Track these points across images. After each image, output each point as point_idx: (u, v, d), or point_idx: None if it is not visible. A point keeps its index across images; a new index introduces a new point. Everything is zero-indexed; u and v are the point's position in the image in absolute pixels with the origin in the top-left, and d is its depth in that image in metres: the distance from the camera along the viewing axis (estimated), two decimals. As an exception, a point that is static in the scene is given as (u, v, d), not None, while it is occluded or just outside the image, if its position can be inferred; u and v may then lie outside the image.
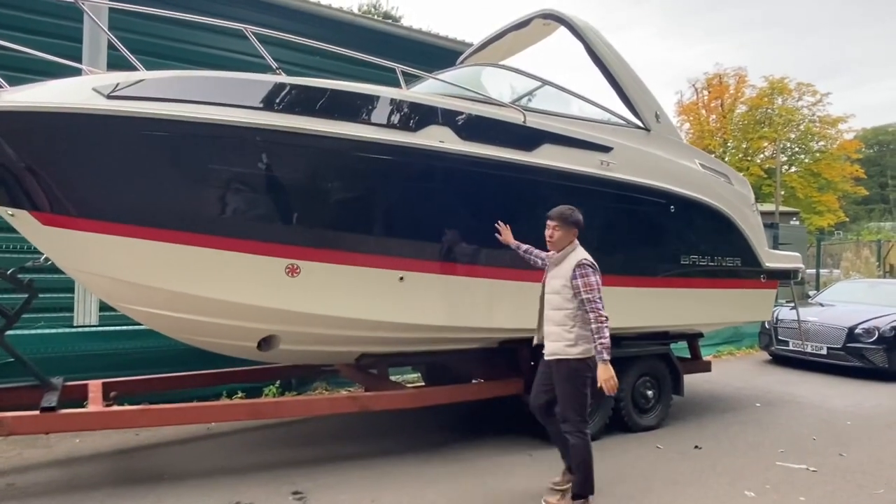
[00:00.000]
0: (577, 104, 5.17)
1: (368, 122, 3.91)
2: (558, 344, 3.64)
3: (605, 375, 3.46)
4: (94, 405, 4.05)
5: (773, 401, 6.81)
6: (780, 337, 8.91)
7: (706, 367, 6.40)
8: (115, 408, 4.08)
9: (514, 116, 4.49)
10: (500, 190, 4.40)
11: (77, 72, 3.78)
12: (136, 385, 4.85)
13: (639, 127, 5.36)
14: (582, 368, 3.62)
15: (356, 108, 3.92)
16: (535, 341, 4.00)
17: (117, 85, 3.45)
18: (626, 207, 5.07)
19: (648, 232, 5.27)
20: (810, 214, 30.27)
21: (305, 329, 4.19)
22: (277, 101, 3.71)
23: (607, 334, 3.48)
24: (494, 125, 4.40)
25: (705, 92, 35.56)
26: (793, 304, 7.91)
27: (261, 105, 3.67)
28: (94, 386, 4.39)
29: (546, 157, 4.55)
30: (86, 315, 5.76)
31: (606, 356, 3.45)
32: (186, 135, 3.49)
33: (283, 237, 3.83)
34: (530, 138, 4.54)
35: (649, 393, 5.44)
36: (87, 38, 5.35)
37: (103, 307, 5.67)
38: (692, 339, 6.37)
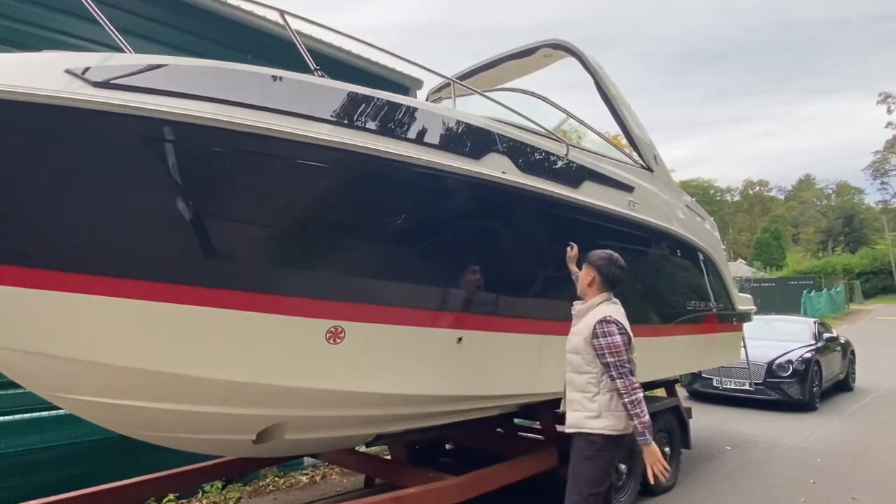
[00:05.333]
0: (595, 139, 4.82)
1: (430, 145, 3.10)
2: (578, 415, 3.01)
3: (653, 458, 2.84)
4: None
5: (736, 442, 6.84)
6: (703, 375, 9.23)
7: (688, 413, 6.23)
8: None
9: (559, 150, 3.95)
10: (553, 231, 3.80)
11: None
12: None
13: (643, 167, 5.13)
14: (605, 446, 2.95)
15: (423, 126, 3.10)
16: (561, 408, 3.28)
17: (102, 69, 2.31)
18: (647, 252, 4.74)
19: (664, 277, 4.99)
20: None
21: (328, 412, 3.16)
22: (349, 112, 2.80)
23: (645, 408, 2.86)
24: (546, 158, 3.81)
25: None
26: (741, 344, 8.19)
27: (332, 117, 2.74)
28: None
29: (588, 194, 4.05)
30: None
31: (649, 436, 2.84)
32: (201, 143, 2.43)
33: (325, 290, 2.84)
34: (575, 174, 4.02)
35: (666, 450, 5.05)
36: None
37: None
38: (671, 385, 6.19)
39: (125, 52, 2.45)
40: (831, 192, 77.19)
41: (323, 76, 2.87)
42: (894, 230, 50.07)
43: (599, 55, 4.99)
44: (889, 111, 54.34)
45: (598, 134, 4.76)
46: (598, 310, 3.05)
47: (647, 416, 2.86)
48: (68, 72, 2.22)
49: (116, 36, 2.39)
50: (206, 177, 2.49)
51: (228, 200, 2.56)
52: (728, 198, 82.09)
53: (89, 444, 4.12)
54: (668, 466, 2.85)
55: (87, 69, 2.26)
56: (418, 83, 7.71)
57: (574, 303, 3.32)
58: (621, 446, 3.06)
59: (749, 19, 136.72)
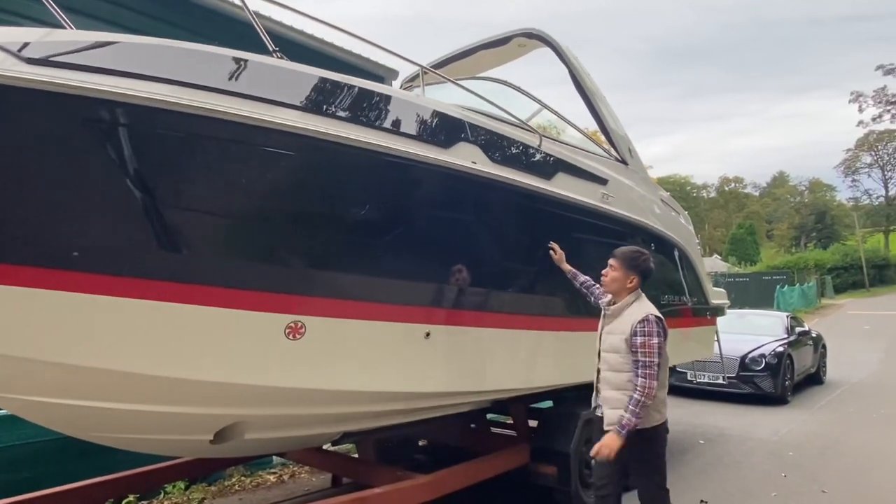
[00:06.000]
0: (570, 131, 4.73)
1: (400, 133, 2.97)
2: (618, 412, 3.03)
3: (613, 444, 2.92)
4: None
5: (709, 436, 6.85)
6: (678, 369, 9.25)
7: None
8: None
9: (531, 140, 3.84)
10: (525, 223, 3.70)
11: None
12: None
13: (618, 159, 5.06)
14: (654, 437, 3.13)
15: (389, 113, 2.96)
16: (592, 406, 3.34)
17: (41, 45, 2.14)
18: (619, 245, 4.66)
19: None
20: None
21: (290, 410, 3.03)
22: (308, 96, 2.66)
23: (643, 414, 2.96)
24: (519, 149, 3.71)
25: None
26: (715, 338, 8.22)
27: (292, 102, 2.60)
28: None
29: (562, 186, 3.96)
30: None
31: (624, 431, 2.92)
32: (153, 128, 2.27)
33: (284, 283, 2.70)
34: (548, 166, 3.92)
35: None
36: None
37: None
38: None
39: (66, 28, 2.28)
40: (804, 189, 78.64)
41: (282, 58, 2.72)
42: (864, 227, 51.29)
43: (578, 51, 4.90)
44: (860, 110, 55.62)
45: (573, 126, 4.67)
46: (635, 308, 3.13)
47: (639, 420, 2.94)
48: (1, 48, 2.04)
49: (55, 10, 2.22)
50: (157, 163, 2.33)
51: (181, 189, 2.40)
52: (704, 194, 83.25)
53: (32, 446, 3.91)
54: (612, 457, 2.93)
55: (24, 45, 2.09)
56: (393, 73, 7.56)
57: (601, 300, 3.43)
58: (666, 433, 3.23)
59: (727, 17, 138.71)
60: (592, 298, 3.63)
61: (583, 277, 3.71)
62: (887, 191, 60.70)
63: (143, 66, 2.28)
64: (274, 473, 5.23)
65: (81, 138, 2.17)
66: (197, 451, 3.41)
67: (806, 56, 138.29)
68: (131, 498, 4.27)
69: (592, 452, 3.02)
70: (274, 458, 5.28)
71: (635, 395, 2.94)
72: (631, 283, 3.19)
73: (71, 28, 2.29)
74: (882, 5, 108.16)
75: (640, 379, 2.96)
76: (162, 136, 2.29)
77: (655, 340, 3.00)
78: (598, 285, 3.57)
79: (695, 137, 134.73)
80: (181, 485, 4.64)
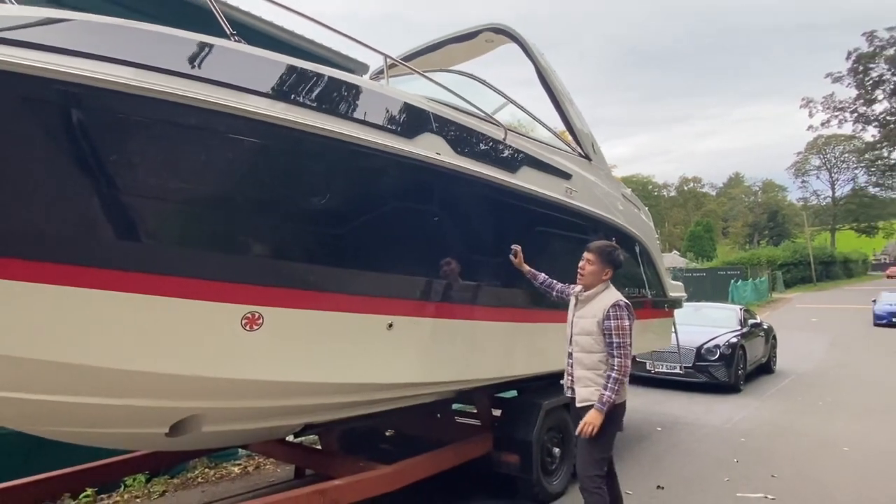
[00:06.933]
0: (536, 127, 4.66)
1: (361, 121, 2.85)
2: (589, 389, 3.21)
3: (595, 420, 3.09)
4: None
5: (665, 423, 6.92)
6: (637, 359, 9.33)
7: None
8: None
9: (497, 134, 3.77)
10: (488, 216, 3.62)
11: None
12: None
13: (581, 155, 5.03)
14: (614, 414, 3.20)
15: (349, 101, 2.84)
16: (565, 389, 3.47)
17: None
18: (585, 239, 4.61)
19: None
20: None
21: (248, 403, 2.91)
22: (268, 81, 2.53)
23: (621, 391, 3.15)
24: (484, 141, 3.63)
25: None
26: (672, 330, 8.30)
27: (255, 88, 2.46)
28: None
29: (526, 180, 3.90)
30: None
31: (605, 408, 3.09)
32: (99, 105, 2.12)
33: (240, 274, 2.56)
34: (512, 159, 3.85)
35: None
36: None
37: None
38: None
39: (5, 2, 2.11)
40: (758, 189, 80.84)
41: (239, 41, 2.57)
42: (813, 225, 52.90)
43: (547, 53, 4.84)
44: (811, 115, 57.30)
45: (538, 121, 4.61)
46: (606, 295, 3.28)
47: (617, 396, 3.11)
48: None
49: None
50: (108, 148, 2.17)
51: (133, 173, 2.24)
52: (665, 193, 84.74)
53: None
54: (595, 433, 3.07)
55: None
56: (364, 67, 7.38)
57: (572, 287, 3.54)
58: (622, 414, 3.32)
59: (692, 23, 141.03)
60: (560, 295, 3.68)
61: (542, 277, 3.75)
62: (834, 192, 62.87)
63: (99, 46, 2.13)
64: (238, 465, 5.08)
65: (27, 120, 2.00)
66: (153, 444, 3.25)
67: (764, 63, 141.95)
68: (89, 492, 4.08)
69: (577, 431, 3.14)
70: (239, 449, 5.12)
71: (612, 374, 3.10)
72: (606, 275, 3.33)
73: (13, 3, 2.12)
74: (835, 14, 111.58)
75: (616, 359, 3.12)
76: (113, 118, 2.14)
77: (627, 323, 3.16)
78: (559, 283, 3.69)
79: (657, 139, 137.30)
80: (142, 478, 4.46)
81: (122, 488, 4.41)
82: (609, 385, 3.09)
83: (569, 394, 3.37)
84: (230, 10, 5.41)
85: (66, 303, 2.18)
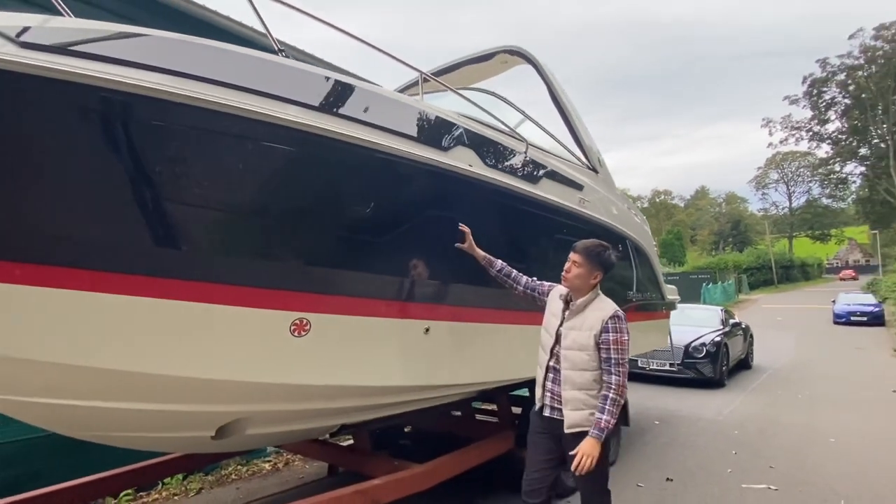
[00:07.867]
0: (548, 140, 4.53)
1: (405, 135, 2.71)
2: (583, 413, 2.55)
3: (594, 452, 2.45)
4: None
5: (663, 417, 6.78)
6: (638, 361, 9.18)
7: (624, 393, 6.09)
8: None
9: (519, 147, 3.63)
10: (513, 225, 3.49)
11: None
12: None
13: (589, 168, 4.90)
14: (609, 438, 2.58)
15: (397, 117, 2.70)
16: (536, 405, 2.80)
17: (29, 29, 1.79)
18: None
19: (613, 271, 4.77)
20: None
21: (294, 405, 2.72)
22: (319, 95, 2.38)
23: (618, 413, 2.52)
24: (509, 155, 3.49)
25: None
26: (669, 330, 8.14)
27: (306, 101, 2.31)
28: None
29: (546, 190, 3.76)
30: None
31: (604, 435, 2.47)
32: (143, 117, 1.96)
33: (290, 282, 2.40)
34: (533, 172, 3.72)
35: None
36: None
37: None
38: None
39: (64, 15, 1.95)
40: (722, 200, 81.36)
41: (287, 56, 2.42)
42: (773, 233, 53.21)
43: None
44: (770, 133, 57.85)
45: (552, 136, 4.47)
46: (601, 304, 2.67)
47: (615, 420, 2.51)
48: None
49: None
50: (158, 157, 2.01)
51: (185, 183, 2.08)
52: (638, 205, 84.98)
53: (23, 443, 3.47)
54: (593, 465, 2.45)
55: (23, 30, 1.75)
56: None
57: (546, 285, 2.98)
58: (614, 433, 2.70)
59: (661, 51, 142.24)
60: (519, 288, 3.07)
61: (499, 264, 3.04)
62: (791, 203, 63.33)
63: (173, 61, 1.98)
64: (269, 462, 4.87)
65: (82, 128, 1.84)
66: (197, 446, 3.05)
67: (727, 86, 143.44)
68: (129, 492, 3.87)
69: (573, 467, 2.46)
70: (268, 447, 4.92)
71: (610, 395, 2.50)
72: (595, 279, 2.71)
73: (70, 16, 1.96)
74: (792, 42, 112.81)
75: (613, 377, 2.52)
76: (164, 128, 1.98)
77: (626, 337, 2.59)
78: (524, 277, 3.08)
79: (631, 155, 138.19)
80: (178, 475, 4.25)
81: (159, 486, 4.20)
82: (607, 408, 2.48)
83: (547, 413, 2.70)
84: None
85: (127, 312, 2.01)
